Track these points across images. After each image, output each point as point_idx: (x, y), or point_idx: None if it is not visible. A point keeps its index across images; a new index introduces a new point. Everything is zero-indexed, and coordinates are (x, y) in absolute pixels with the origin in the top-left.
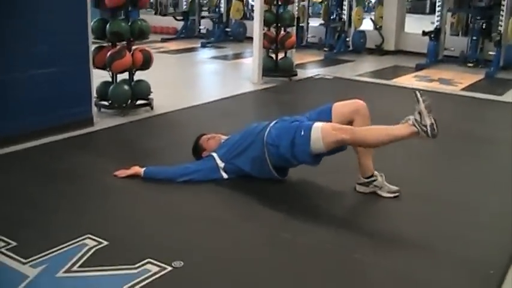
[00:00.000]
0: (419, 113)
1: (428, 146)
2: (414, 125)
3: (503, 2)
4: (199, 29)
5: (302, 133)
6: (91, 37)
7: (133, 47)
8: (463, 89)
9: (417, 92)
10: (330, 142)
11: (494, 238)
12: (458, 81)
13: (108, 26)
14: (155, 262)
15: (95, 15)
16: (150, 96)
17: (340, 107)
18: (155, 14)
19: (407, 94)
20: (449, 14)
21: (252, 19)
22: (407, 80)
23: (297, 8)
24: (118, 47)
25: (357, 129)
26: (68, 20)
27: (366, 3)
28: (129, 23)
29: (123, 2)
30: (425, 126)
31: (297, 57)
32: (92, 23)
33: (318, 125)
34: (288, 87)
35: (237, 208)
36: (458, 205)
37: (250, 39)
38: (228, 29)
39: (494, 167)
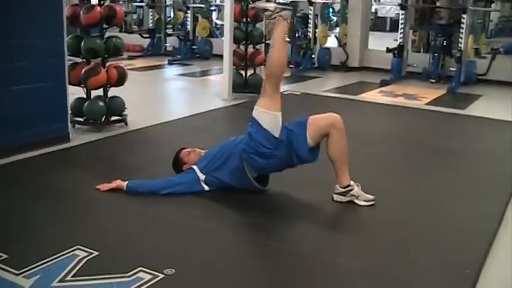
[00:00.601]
0: (264, 9)
1: (399, 158)
2: (273, 18)
3: (463, 20)
4: (166, 47)
5: (250, 123)
6: (67, 54)
7: (108, 64)
8: (428, 104)
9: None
10: (268, 104)
11: (466, 242)
12: (423, 96)
13: (83, 42)
14: (147, 270)
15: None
16: (124, 113)
17: (316, 121)
18: (120, 31)
19: (374, 108)
20: (411, 31)
21: (217, 37)
22: (373, 96)
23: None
24: (92, 63)
25: (265, 70)
26: (44, 37)
27: (329, 22)
28: (104, 40)
29: (98, 20)
30: (273, 9)
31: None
32: (67, 39)
33: (254, 111)
34: None
35: (221, 219)
36: (430, 212)
37: (216, 56)
38: (194, 47)
39: (462, 177)
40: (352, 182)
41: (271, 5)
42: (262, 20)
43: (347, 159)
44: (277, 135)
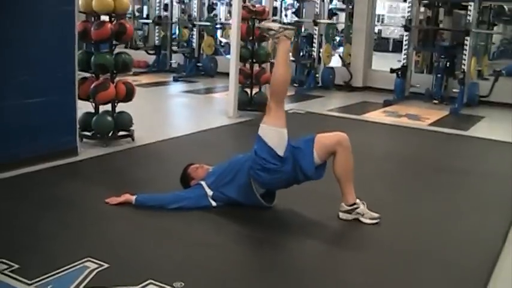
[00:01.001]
0: (269, 29)
1: (403, 177)
2: (277, 37)
3: (466, 42)
4: (171, 63)
5: (256, 141)
6: (77, 68)
7: (116, 79)
8: (431, 124)
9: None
10: (273, 121)
11: (471, 258)
12: (425, 116)
13: (93, 58)
14: (157, 283)
15: None
16: (132, 128)
17: (323, 139)
18: (125, 47)
19: (377, 128)
20: (414, 52)
21: (222, 55)
22: (377, 116)
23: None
24: (101, 78)
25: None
26: (55, 52)
27: (333, 41)
28: (113, 56)
29: (109, 36)
30: (277, 29)
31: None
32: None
33: (260, 129)
34: None
35: (228, 233)
36: (434, 229)
37: (221, 74)
38: (199, 64)
39: (465, 195)
40: (358, 200)
41: (275, 25)
42: (265, 39)
43: (353, 178)
44: (281, 153)
